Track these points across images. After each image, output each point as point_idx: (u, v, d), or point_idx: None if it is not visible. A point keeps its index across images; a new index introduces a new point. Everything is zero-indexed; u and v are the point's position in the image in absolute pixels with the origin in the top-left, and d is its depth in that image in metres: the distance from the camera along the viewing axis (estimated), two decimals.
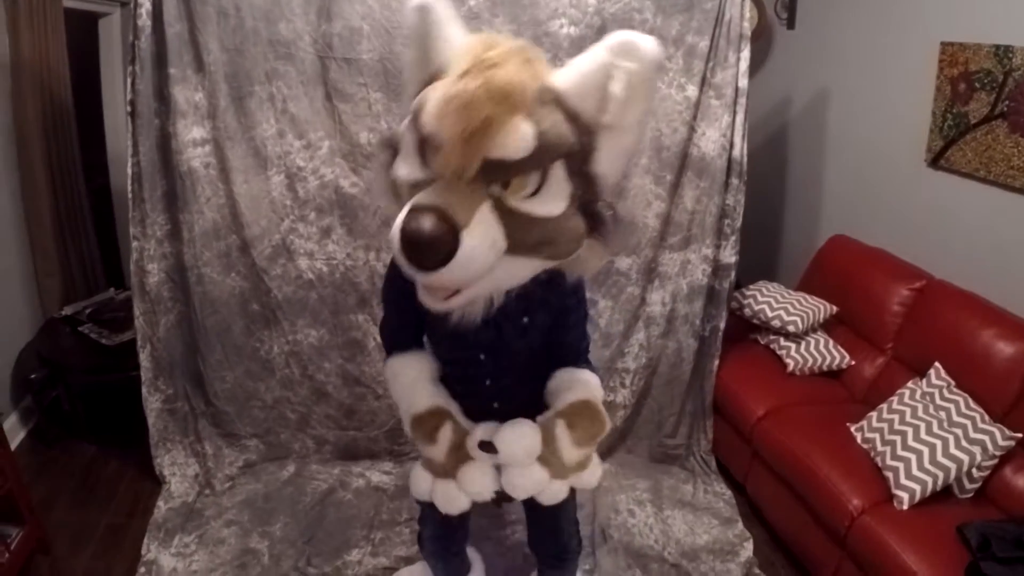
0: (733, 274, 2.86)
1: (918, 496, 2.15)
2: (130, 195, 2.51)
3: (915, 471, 2.17)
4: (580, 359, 1.67)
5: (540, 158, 1.19)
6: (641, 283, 2.85)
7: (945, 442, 2.20)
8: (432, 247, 1.13)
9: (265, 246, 2.65)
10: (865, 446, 2.42)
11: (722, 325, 2.90)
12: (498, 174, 1.18)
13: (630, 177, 2.69)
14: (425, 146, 1.20)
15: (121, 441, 2.99)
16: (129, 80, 2.40)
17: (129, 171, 2.49)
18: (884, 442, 2.33)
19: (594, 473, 1.63)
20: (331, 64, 2.46)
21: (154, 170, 2.51)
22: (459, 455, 1.54)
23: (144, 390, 2.68)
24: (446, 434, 1.53)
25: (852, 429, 2.52)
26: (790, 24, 3.58)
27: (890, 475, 2.23)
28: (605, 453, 2.94)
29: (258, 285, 2.69)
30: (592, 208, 1.30)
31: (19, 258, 3.21)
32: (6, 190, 3.11)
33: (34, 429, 3.15)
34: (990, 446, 2.17)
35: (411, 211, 1.15)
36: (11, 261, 3.16)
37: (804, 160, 3.61)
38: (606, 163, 1.28)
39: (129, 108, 2.42)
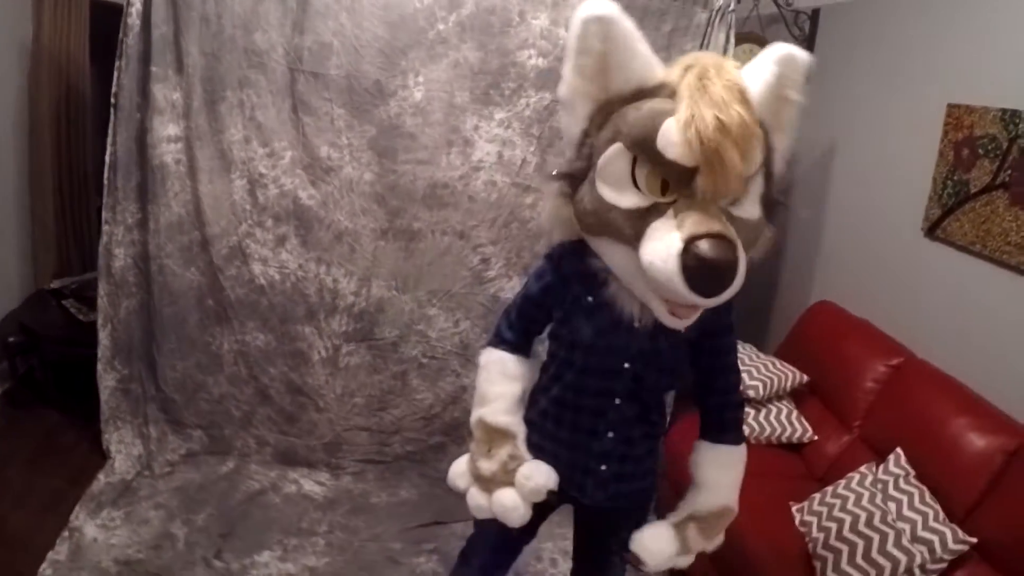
0: None
1: None
2: (106, 182, 2.69)
3: (845, 565, 2.04)
4: (731, 416, 1.65)
5: (759, 170, 1.31)
6: None
7: (885, 537, 2.04)
8: (730, 274, 1.19)
9: (223, 246, 2.77)
10: (802, 529, 2.29)
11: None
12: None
13: None
14: (652, 167, 1.24)
15: (83, 413, 3.12)
16: (115, 74, 2.58)
17: (107, 159, 2.66)
18: (820, 527, 2.21)
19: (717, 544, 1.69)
20: (300, 77, 2.58)
21: (130, 161, 2.68)
22: (506, 478, 1.53)
23: (100, 367, 2.84)
24: (502, 456, 1.53)
25: (794, 508, 2.40)
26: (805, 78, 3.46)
27: (818, 565, 2.11)
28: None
29: (214, 282, 2.82)
30: (770, 200, 1.39)
31: (19, 229, 3.49)
32: (14, 166, 3.39)
33: (7, 391, 3.39)
34: (938, 548, 1.96)
35: (697, 239, 1.18)
36: (11, 231, 3.43)
37: (803, 220, 3.51)
38: (779, 161, 1.39)
39: (113, 100, 2.60)
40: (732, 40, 2.59)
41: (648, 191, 1.25)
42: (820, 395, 2.96)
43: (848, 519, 2.16)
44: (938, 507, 2.12)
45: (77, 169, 3.64)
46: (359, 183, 2.74)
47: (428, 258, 2.84)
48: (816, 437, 2.82)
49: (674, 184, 1.23)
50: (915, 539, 2.03)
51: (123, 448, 2.91)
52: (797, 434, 2.82)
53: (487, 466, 1.54)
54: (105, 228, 2.74)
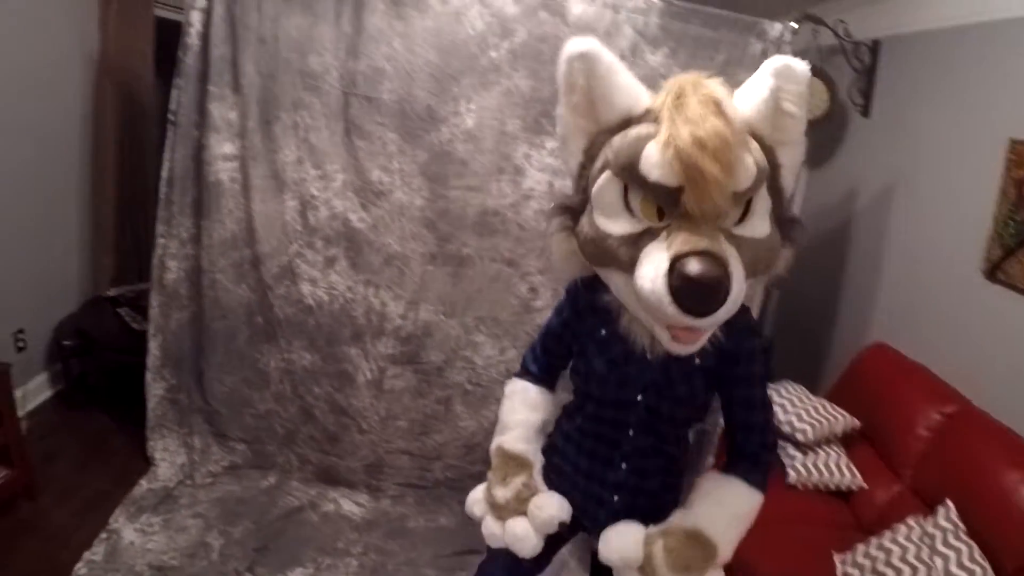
0: None
1: None
2: (162, 196, 2.76)
3: None
4: (757, 451, 1.55)
5: (756, 185, 1.27)
6: None
7: None
8: (717, 292, 1.18)
9: (273, 265, 2.81)
10: None
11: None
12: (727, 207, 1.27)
13: None
14: (644, 193, 1.26)
15: (132, 418, 3.21)
16: (174, 92, 2.65)
17: (164, 174, 2.73)
18: None
19: None
20: (353, 100, 2.61)
21: (186, 176, 2.75)
22: (517, 506, 1.54)
23: (149, 375, 2.92)
24: (516, 485, 1.55)
25: (836, 558, 2.32)
26: (865, 111, 3.38)
27: None
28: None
29: (264, 300, 2.86)
30: (783, 217, 1.39)
31: (80, 237, 3.62)
32: (77, 174, 3.52)
33: (61, 392, 3.51)
34: None
35: (682, 257, 1.19)
36: (73, 238, 3.57)
37: (861, 257, 3.41)
38: (788, 176, 1.39)
39: (171, 117, 2.67)
40: None
41: (644, 217, 1.28)
42: (871, 441, 2.87)
43: (891, 574, 2.11)
44: (987, 565, 2.04)
45: (139, 181, 3.75)
46: (409, 208, 2.75)
47: (476, 284, 2.84)
48: (865, 485, 2.73)
49: (667, 208, 1.25)
50: None
51: (167, 456, 2.98)
52: (846, 481, 2.74)
53: (502, 494, 1.56)
54: (159, 241, 2.81)
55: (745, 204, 1.28)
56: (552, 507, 1.53)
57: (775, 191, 1.35)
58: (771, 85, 1.30)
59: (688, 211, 1.21)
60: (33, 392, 3.37)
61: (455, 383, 2.94)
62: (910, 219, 3.10)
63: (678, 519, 1.48)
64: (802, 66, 1.33)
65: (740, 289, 1.22)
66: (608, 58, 1.31)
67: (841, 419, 2.82)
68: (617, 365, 1.48)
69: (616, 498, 1.59)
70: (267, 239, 2.77)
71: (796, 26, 2.61)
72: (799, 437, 2.77)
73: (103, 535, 2.60)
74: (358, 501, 2.95)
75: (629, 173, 1.26)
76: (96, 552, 2.52)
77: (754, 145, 1.27)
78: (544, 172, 2.68)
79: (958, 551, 2.09)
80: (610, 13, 2.51)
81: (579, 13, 2.52)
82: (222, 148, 2.70)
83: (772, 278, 1.43)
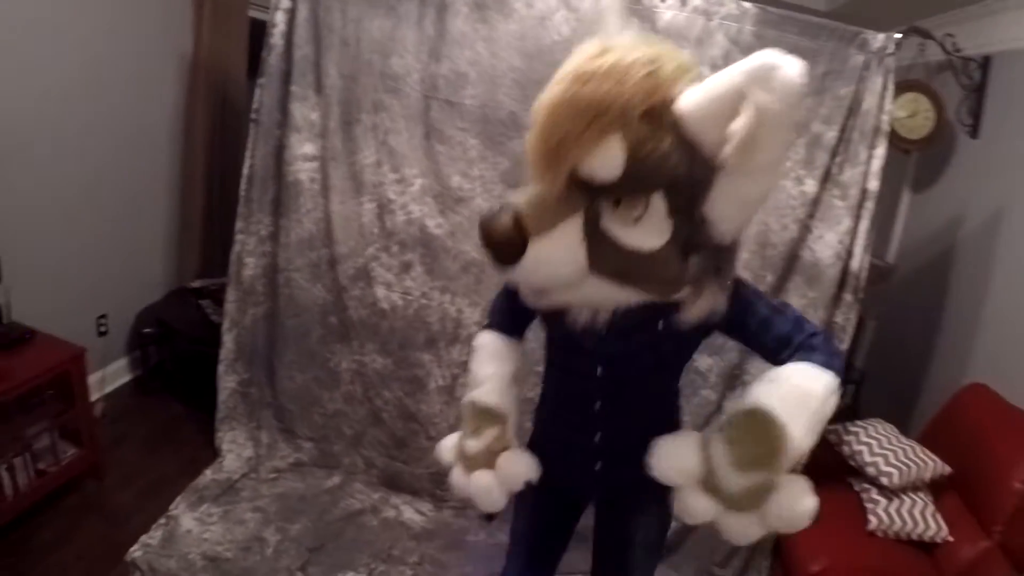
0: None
1: None
2: (242, 194, 2.82)
3: None
4: (804, 342, 1.30)
5: (637, 183, 1.14)
6: (720, 389, 2.67)
7: None
8: (501, 245, 1.17)
9: (350, 266, 2.84)
10: None
11: (803, 459, 2.62)
12: (599, 193, 1.16)
13: None
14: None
15: (205, 408, 3.28)
16: (257, 91, 2.71)
17: (245, 172, 2.80)
18: None
19: (792, 508, 1.19)
20: (434, 104, 2.60)
21: (267, 175, 2.80)
22: (487, 459, 1.49)
23: (221, 368, 2.99)
24: (488, 438, 1.49)
25: None
26: (973, 132, 3.15)
27: None
28: None
29: (338, 300, 2.89)
30: (698, 247, 1.20)
31: (168, 230, 3.78)
32: (168, 170, 3.68)
33: (138, 378, 3.66)
34: None
35: (501, 207, 1.18)
36: (161, 231, 3.73)
37: (964, 290, 3.18)
38: (720, 208, 1.17)
39: (253, 116, 2.73)
40: (891, 86, 2.38)
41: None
42: (961, 491, 2.63)
43: None
44: None
45: (228, 178, 3.86)
46: None
47: None
48: (951, 538, 2.52)
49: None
50: None
51: (234, 448, 3.04)
52: (930, 532, 2.52)
53: (473, 445, 1.50)
54: (238, 237, 2.88)
55: (644, 205, 1.15)
56: (519, 464, 1.48)
57: (689, 215, 1.17)
58: (735, 84, 1.07)
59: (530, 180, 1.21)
60: (111, 376, 3.53)
61: (526, 398, 2.87)
62: (1018, 250, 2.87)
63: (736, 405, 1.26)
64: (792, 71, 1.04)
65: (539, 264, 1.17)
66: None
67: (931, 464, 2.60)
68: (574, 337, 1.36)
69: (599, 465, 1.55)
70: (344, 240, 2.80)
71: (900, 36, 2.45)
72: (884, 481, 2.57)
73: (162, 520, 2.68)
74: (420, 509, 2.93)
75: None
76: (153, 536, 2.60)
77: (662, 141, 1.11)
78: None
79: None
80: (702, 20, 2.42)
81: (669, 19, 2.44)
82: (303, 148, 2.75)
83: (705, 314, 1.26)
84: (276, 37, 2.64)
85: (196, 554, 2.55)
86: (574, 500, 1.73)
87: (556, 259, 1.18)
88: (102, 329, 3.41)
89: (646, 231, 1.17)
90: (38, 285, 2.98)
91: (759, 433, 1.16)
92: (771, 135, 1.07)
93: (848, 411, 3.29)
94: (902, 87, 3.18)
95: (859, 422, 2.85)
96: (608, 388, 1.46)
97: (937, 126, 3.21)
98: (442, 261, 2.75)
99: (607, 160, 1.11)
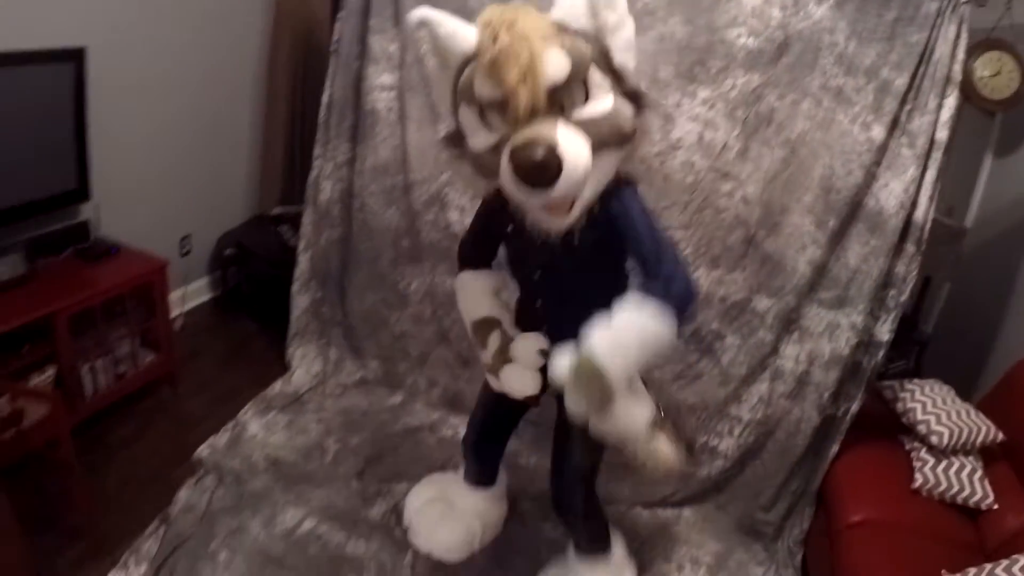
0: (882, 353, 2.62)
1: None
2: (320, 121, 3.03)
3: None
4: (655, 281, 1.64)
5: (577, 72, 1.50)
6: (776, 330, 2.72)
7: None
8: (545, 167, 1.45)
9: (423, 192, 3.00)
10: None
11: (856, 408, 2.66)
12: (558, 97, 1.50)
13: (788, 212, 2.61)
14: (488, 111, 1.54)
15: (278, 328, 3.55)
16: (337, 24, 2.90)
17: (324, 100, 3.00)
18: None
19: (629, 414, 1.71)
20: None
21: (345, 104, 3.00)
22: (503, 357, 1.91)
23: (295, 287, 3.24)
24: (494, 341, 1.93)
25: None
26: None
27: None
28: (694, 501, 2.90)
29: (411, 225, 3.06)
30: (629, 91, 1.60)
31: (251, 160, 4.09)
32: (252, 105, 3.98)
33: (216, 297, 3.98)
34: None
35: (514, 149, 1.46)
36: (244, 161, 4.05)
37: None
38: (621, 54, 1.57)
39: (333, 48, 2.93)
40: (964, 35, 2.36)
41: (495, 130, 1.55)
42: (1014, 461, 2.65)
43: None
44: None
45: (309, 113, 4.09)
46: None
47: None
48: (996, 505, 2.53)
49: (506, 116, 1.50)
50: None
51: (304, 363, 3.28)
52: (976, 497, 2.53)
53: (487, 354, 1.95)
54: (316, 162, 3.09)
55: (585, 88, 1.51)
56: (527, 343, 1.89)
57: (611, 71, 1.55)
58: None
59: (511, 113, 1.47)
60: (192, 294, 3.83)
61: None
62: None
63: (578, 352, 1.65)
64: None
65: (576, 160, 1.48)
66: (438, 16, 1.58)
67: (983, 429, 2.60)
68: (519, 251, 1.87)
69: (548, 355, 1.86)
70: (419, 167, 2.96)
71: None
72: (933, 440, 2.59)
73: (230, 424, 2.94)
74: None
75: (470, 98, 1.55)
76: (221, 438, 2.86)
77: (567, 40, 1.49)
78: (695, 123, 2.64)
79: None
80: None
81: None
82: (380, 78, 2.92)
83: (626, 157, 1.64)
84: None
85: (259, 456, 2.79)
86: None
87: (581, 152, 1.50)
88: (185, 249, 3.71)
89: (600, 98, 1.55)
90: (128, 205, 3.28)
91: (592, 373, 1.59)
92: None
93: (910, 373, 3.30)
94: (985, 45, 3.17)
95: (916, 380, 2.88)
96: (548, 290, 1.89)
97: (1022, 86, 3.15)
98: None
99: (560, 62, 1.47)
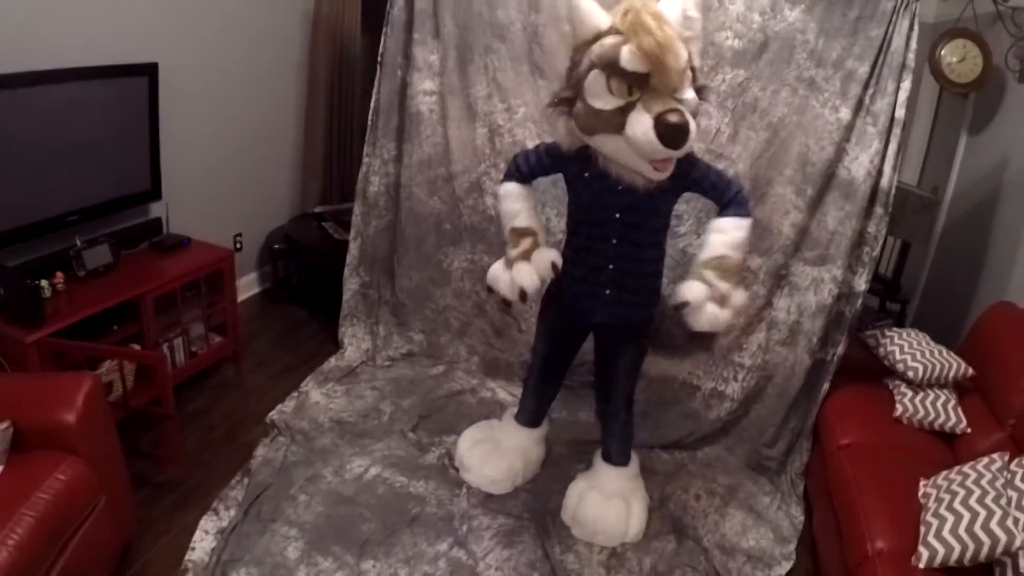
0: (860, 302, 3.18)
1: (939, 559, 2.17)
2: (369, 123, 3.64)
3: (946, 533, 2.21)
4: (733, 197, 2.43)
5: (687, 67, 2.11)
6: (768, 285, 3.28)
7: (991, 515, 2.18)
8: (686, 131, 2.03)
9: (464, 181, 3.58)
10: (922, 500, 2.50)
11: (841, 351, 3.20)
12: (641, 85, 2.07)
13: (772, 184, 3.20)
14: (618, 79, 2.05)
15: (325, 314, 4.17)
16: (383, 38, 3.51)
17: (372, 105, 3.61)
18: (936, 498, 2.40)
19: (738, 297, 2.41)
20: (535, 48, 3.31)
21: (391, 108, 3.60)
22: (525, 256, 2.44)
23: (346, 271, 3.82)
24: (526, 244, 2.46)
25: (921, 483, 2.61)
26: (1022, 77, 3.63)
27: (923, 529, 2.29)
28: (706, 443, 3.45)
29: (453, 210, 3.65)
30: (698, 87, 2.23)
31: (294, 163, 4.74)
32: (293, 112, 4.63)
33: (268, 288, 4.61)
34: None
35: (661, 115, 2.00)
36: (287, 165, 4.69)
37: (1006, 223, 3.71)
38: (697, 58, 2.22)
39: (380, 59, 3.54)
40: (916, 28, 2.94)
41: (619, 96, 2.06)
42: (983, 393, 3.14)
43: (964, 492, 2.34)
44: None
45: (345, 120, 4.77)
46: None
47: None
48: (969, 430, 2.99)
49: (637, 87, 2.04)
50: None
51: (355, 341, 3.88)
52: (951, 423, 3.01)
53: (514, 252, 2.45)
54: (365, 160, 3.69)
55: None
56: (547, 254, 2.42)
57: (692, 69, 2.14)
58: (681, 2, 2.14)
59: (655, 87, 2.03)
60: (244, 287, 4.43)
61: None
62: None
63: (704, 252, 2.39)
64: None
65: (695, 130, 2.06)
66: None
67: (954, 364, 3.09)
68: (599, 194, 2.38)
69: (608, 292, 2.52)
70: (460, 160, 3.55)
71: None
72: (910, 375, 3.07)
73: (295, 394, 3.50)
74: (512, 392, 3.60)
75: (611, 68, 2.03)
76: (287, 405, 3.41)
77: (684, 41, 2.07)
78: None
79: None
80: None
81: None
82: (423, 84, 3.53)
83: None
84: None
85: (324, 418, 3.34)
86: (580, 326, 2.78)
87: (693, 125, 2.07)
88: (238, 246, 4.31)
89: (690, 88, 2.17)
90: (189, 205, 3.85)
91: (729, 262, 2.36)
92: (698, 13, 2.25)
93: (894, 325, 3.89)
94: (952, 34, 3.72)
95: (896, 328, 3.42)
96: (621, 231, 2.42)
97: (984, 70, 3.69)
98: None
99: (684, 58, 2.08)
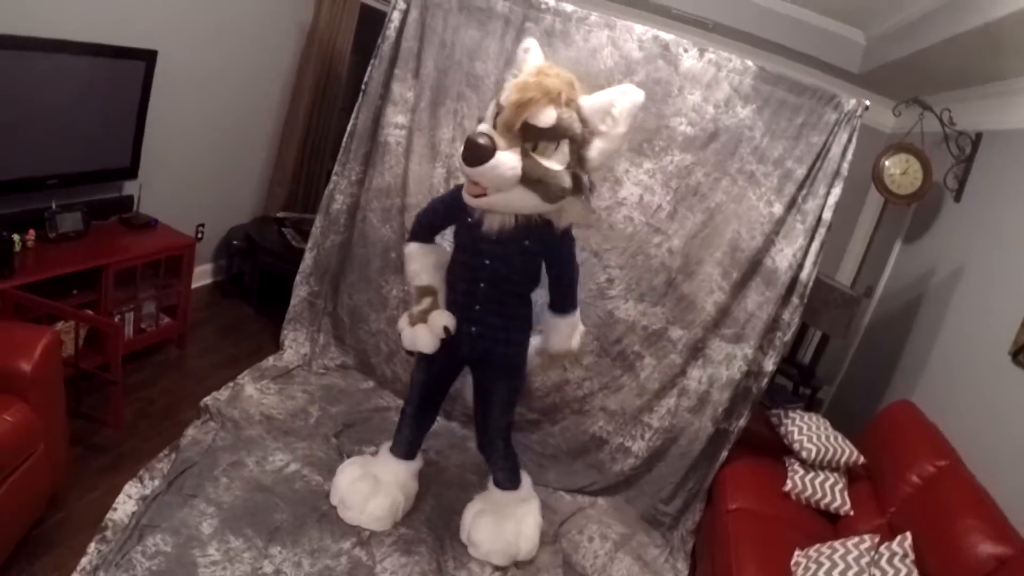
0: (766, 381, 3.67)
1: None
2: (343, 145, 4.11)
3: None
4: (566, 294, 3.00)
5: (555, 133, 2.47)
6: (685, 356, 3.76)
7: None
8: (480, 150, 2.39)
9: (415, 214, 4.04)
10: (794, 568, 2.86)
11: (743, 424, 3.69)
12: (531, 135, 2.45)
13: (702, 263, 3.69)
14: (498, 113, 2.51)
15: (271, 314, 4.65)
16: (369, 69, 4.01)
17: (348, 129, 4.09)
18: (806, 567, 2.77)
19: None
20: None
21: (364, 134, 4.08)
22: (423, 317, 2.91)
23: (298, 278, 4.29)
24: (424, 304, 2.94)
25: (796, 552, 2.98)
26: (957, 197, 4.08)
27: None
28: (607, 492, 3.92)
29: (400, 240, 4.04)
30: (578, 176, 2.58)
31: (265, 166, 5.26)
32: (273, 118, 5.14)
33: (219, 281, 5.12)
34: None
35: (470, 134, 2.44)
36: (259, 167, 5.21)
37: (922, 327, 4.12)
38: (595, 153, 2.56)
39: (363, 88, 4.03)
40: (854, 141, 3.45)
41: (488, 122, 2.58)
42: (873, 480, 3.54)
43: (828, 564, 2.74)
44: None
45: (321, 135, 5.29)
46: None
47: None
48: (852, 512, 3.40)
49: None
50: None
51: (295, 345, 4.35)
52: (835, 504, 3.45)
53: (416, 310, 2.94)
54: (334, 178, 4.17)
55: (555, 148, 2.50)
56: (442, 317, 2.88)
57: (579, 158, 2.55)
58: (612, 95, 2.52)
59: (504, 119, 2.46)
60: (198, 276, 4.86)
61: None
62: (968, 300, 3.77)
63: (550, 345, 3.10)
64: (639, 96, 2.53)
65: (500, 165, 2.41)
66: (537, 48, 2.78)
67: (847, 451, 3.53)
68: (476, 241, 2.78)
69: (473, 329, 2.94)
70: (415, 194, 4.02)
71: (868, 104, 3.46)
72: (804, 455, 3.53)
73: (231, 384, 3.90)
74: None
75: (497, 99, 2.56)
76: (222, 394, 3.79)
77: (571, 115, 2.47)
78: (638, 186, 3.74)
79: (898, 571, 2.68)
80: (713, 69, 3.58)
81: (689, 66, 3.60)
82: (396, 118, 4.01)
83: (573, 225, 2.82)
84: (390, 30, 3.92)
85: (255, 411, 3.73)
86: (452, 356, 3.10)
87: (508, 165, 2.42)
88: (199, 235, 4.75)
89: (556, 161, 2.52)
90: (161, 189, 4.31)
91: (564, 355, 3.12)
92: (626, 121, 2.54)
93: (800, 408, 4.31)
94: (897, 147, 4.25)
95: (800, 411, 3.87)
96: (490, 275, 2.85)
97: (923, 186, 4.19)
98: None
99: (547, 116, 2.44)
